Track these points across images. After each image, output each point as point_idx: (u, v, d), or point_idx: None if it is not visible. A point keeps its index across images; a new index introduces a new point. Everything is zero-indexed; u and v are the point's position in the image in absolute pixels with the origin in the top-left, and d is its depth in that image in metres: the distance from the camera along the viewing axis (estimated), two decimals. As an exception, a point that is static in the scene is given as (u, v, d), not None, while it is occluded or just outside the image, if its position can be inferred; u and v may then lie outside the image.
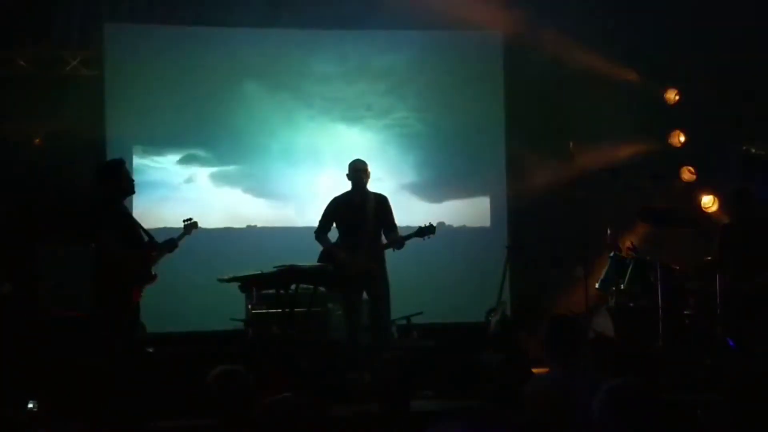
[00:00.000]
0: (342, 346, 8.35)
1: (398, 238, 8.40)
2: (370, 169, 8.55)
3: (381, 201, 8.60)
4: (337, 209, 8.59)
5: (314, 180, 10.43)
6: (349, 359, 8.14)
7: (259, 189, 10.64)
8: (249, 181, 10.61)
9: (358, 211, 8.44)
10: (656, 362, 7.57)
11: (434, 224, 8.40)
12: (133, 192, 7.66)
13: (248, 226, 10.57)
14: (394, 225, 8.54)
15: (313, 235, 8.59)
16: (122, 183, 7.45)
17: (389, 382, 4.85)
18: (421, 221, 8.49)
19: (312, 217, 8.83)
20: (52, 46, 9.74)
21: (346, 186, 8.60)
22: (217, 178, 10.58)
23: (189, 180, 10.51)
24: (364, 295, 8.53)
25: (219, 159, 10.57)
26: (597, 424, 3.31)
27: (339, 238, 8.66)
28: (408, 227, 8.57)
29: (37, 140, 9.62)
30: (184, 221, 7.87)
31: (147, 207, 9.72)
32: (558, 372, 5.26)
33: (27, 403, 6.68)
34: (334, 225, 8.63)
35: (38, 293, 8.79)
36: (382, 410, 4.81)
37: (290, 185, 10.58)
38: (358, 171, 8.48)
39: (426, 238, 8.35)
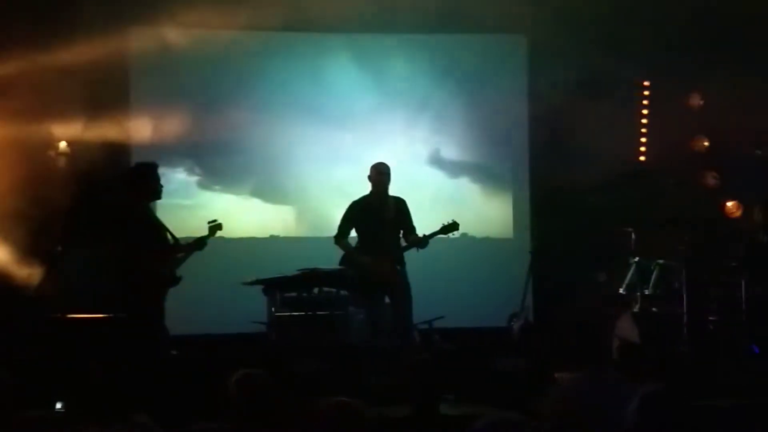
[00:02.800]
0: (364, 350, 8.37)
1: (421, 237, 8.43)
2: (391, 173, 8.59)
3: (400, 204, 8.64)
4: (356, 213, 8.63)
5: (337, 191, 10.36)
6: (371, 363, 8.16)
7: (282, 198, 10.57)
8: (273, 190, 10.55)
9: (378, 215, 8.48)
10: (683, 368, 7.54)
11: (456, 222, 8.44)
12: (159, 197, 7.70)
13: (271, 236, 10.54)
14: (413, 228, 8.58)
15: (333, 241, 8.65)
16: (152, 186, 7.49)
17: (419, 385, 4.85)
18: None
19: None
20: (77, 48, 9.76)
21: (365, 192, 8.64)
22: (242, 184, 10.53)
23: (211, 184, 10.49)
24: (386, 298, 8.55)
25: (244, 164, 10.50)
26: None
27: (359, 242, 8.69)
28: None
29: (63, 143, 9.65)
30: (208, 223, 7.89)
31: (170, 210, 9.71)
32: (585, 377, 5.25)
33: (55, 404, 6.70)
34: (354, 229, 8.67)
35: (63, 295, 8.82)
36: (413, 412, 4.82)
37: (315, 195, 10.50)
38: (381, 174, 8.52)
39: (450, 235, 8.41)
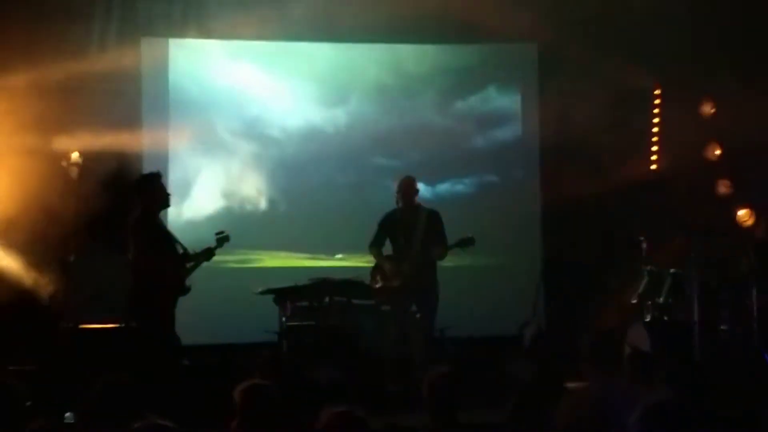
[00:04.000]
0: (381, 359, 8.42)
1: (439, 249, 8.48)
2: (417, 185, 8.74)
3: (433, 216, 8.73)
4: (389, 224, 8.78)
5: (351, 206, 10.37)
6: (393, 371, 8.21)
7: (294, 208, 10.59)
8: (284, 200, 10.58)
9: (410, 227, 8.63)
10: (694, 377, 7.52)
11: (473, 236, 8.47)
12: (167, 206, 7.73)
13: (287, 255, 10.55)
14: (445, 240, 8.61)
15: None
16: (158, 196, 7.53)
17: (439, 395, 4.85)
18: (455, 235, 8.54)
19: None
20: (89, 59, 9.82)
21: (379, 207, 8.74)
22: (253, 196, 10.56)
23: (224, 196, 10.50)
24: (413, 306, 8.59)
25: (256, 175, 10.56)
26: (635, 441, 3.28)
27: (392, 252, 8.80)
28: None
29: (75, 153, 9.69)
30: (216, 234, 7.91)
31: (180, 222, 9.74)
32: (597, 386, 5.24)
33: (64, 414, 6.73)
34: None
35: (73, 304, 8.86)
36: (432, 423, 4.83)
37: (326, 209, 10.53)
38: (408, 187, 8.69)
39: (465, 249, 8.45)
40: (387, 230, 8.80)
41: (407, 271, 8.54)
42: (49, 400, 6.85)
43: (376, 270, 8.78)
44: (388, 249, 8.89)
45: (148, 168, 9.30)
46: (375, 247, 8.83)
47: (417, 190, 8.75)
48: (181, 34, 10.23)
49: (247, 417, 4.51)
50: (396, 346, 8.51)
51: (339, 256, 9.94)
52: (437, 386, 4.90)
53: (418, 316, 8.66)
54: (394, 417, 6.53)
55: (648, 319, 8.51)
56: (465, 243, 8.54)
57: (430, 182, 10.57)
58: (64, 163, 9.69)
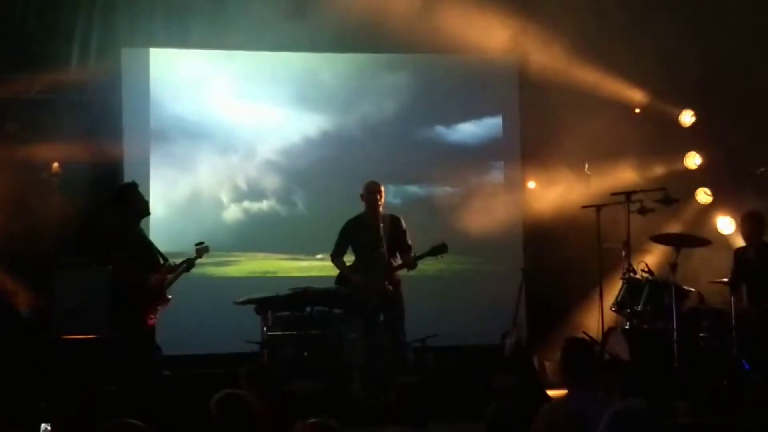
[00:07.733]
0: (357, 369, 8.38)
1: (411, 258, 8.43)
2: (384, 190, 8.61)
3: (395, 222, 8.63)
4: (351, 231, 8.64)
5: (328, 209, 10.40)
6: (365, 381, 8.17)
7: (272, 213, 10.64)
8: (265, 206, 10.62)
9: (372, 233, 8.48)
10: (671, 385, 7.55)
11: (445, 243, 8.43)
12: (148, 213, 7.73)
13: (266, 256, 10.58)
14: (409, 246, 8.57)
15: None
16: (135, 205, 7.54)
17: (407, 406, 4.83)
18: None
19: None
20: (70, 70, 9.82)
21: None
22: (234, 203, 10.59)
23: (205, 205, 10.51)
24: (381, 316, 8.56)
25: (236, 184, 10.59)
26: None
27: (355, 260, 8.70)
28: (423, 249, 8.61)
29: (55, 164, 9.69)
30: (195, 245, 7.91)
31: (161, 232, 9.74)
32: (574, 395, 5.27)
33: (40, 426, 6.70)
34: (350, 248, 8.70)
35: (54, 316, 8.84)
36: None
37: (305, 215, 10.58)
38: (372, 193, 8.53)
39: (439, 257, 8.40)
40: (350, 237, 8.66)
41: (373, 279, 8.42)
42: (27, 411, 6.84)
43: (339, 279, 8.65)
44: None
45: (129, 178, 9.32)
46: (338, 257, 8.66)
47: (382, 195, 8.55)
48: (162, 43, 10.23)
49: (224, 427, 4.52)
50: (368, 356, 8.47)
51: (319, 256, 9.92)
52: (405, 395, 4.88)
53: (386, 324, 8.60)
54: (372, 427, 6.53)
55: (627, 327, 8.54)
56: (438, 251, 8.40)
57: (407, 191, 10.61)
58: (44, 174, 9.70)
